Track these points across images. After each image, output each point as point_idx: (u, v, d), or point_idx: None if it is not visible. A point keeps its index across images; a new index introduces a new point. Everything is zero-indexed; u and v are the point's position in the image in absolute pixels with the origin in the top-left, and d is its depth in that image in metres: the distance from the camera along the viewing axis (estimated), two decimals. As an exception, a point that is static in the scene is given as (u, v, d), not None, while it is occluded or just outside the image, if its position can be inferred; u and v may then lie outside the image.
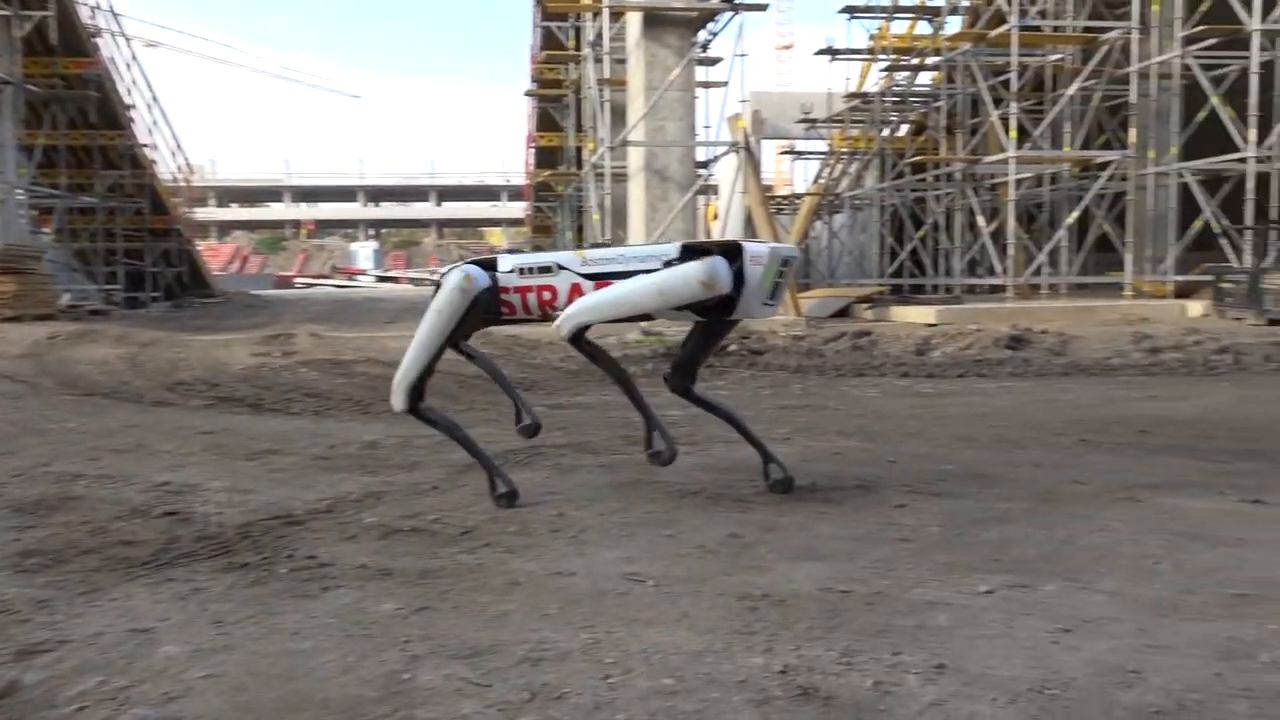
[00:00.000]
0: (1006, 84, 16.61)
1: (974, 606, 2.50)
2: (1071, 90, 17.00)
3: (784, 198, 27.89)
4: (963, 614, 2.44)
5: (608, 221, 15.27)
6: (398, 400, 3.81)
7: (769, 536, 3.19)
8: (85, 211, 21.73)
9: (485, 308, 3.74)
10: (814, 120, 23.08)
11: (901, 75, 21.19)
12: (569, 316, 3.56)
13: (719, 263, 3.41)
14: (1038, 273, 17.11)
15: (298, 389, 7.84)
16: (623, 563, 2.95)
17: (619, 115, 15.35)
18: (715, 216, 22.88)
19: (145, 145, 22.46)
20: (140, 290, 23.05)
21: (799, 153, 26.13)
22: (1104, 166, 17.18)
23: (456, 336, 3.89)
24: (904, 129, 22.95)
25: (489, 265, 3.81)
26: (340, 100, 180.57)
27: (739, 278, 3.43)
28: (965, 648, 2.23)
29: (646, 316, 3.97)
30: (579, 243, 23.11)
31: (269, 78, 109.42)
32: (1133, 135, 17.09)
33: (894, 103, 21.89)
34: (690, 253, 3.51)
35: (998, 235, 18.29)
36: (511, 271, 3.77)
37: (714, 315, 3.61)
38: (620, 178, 15.46)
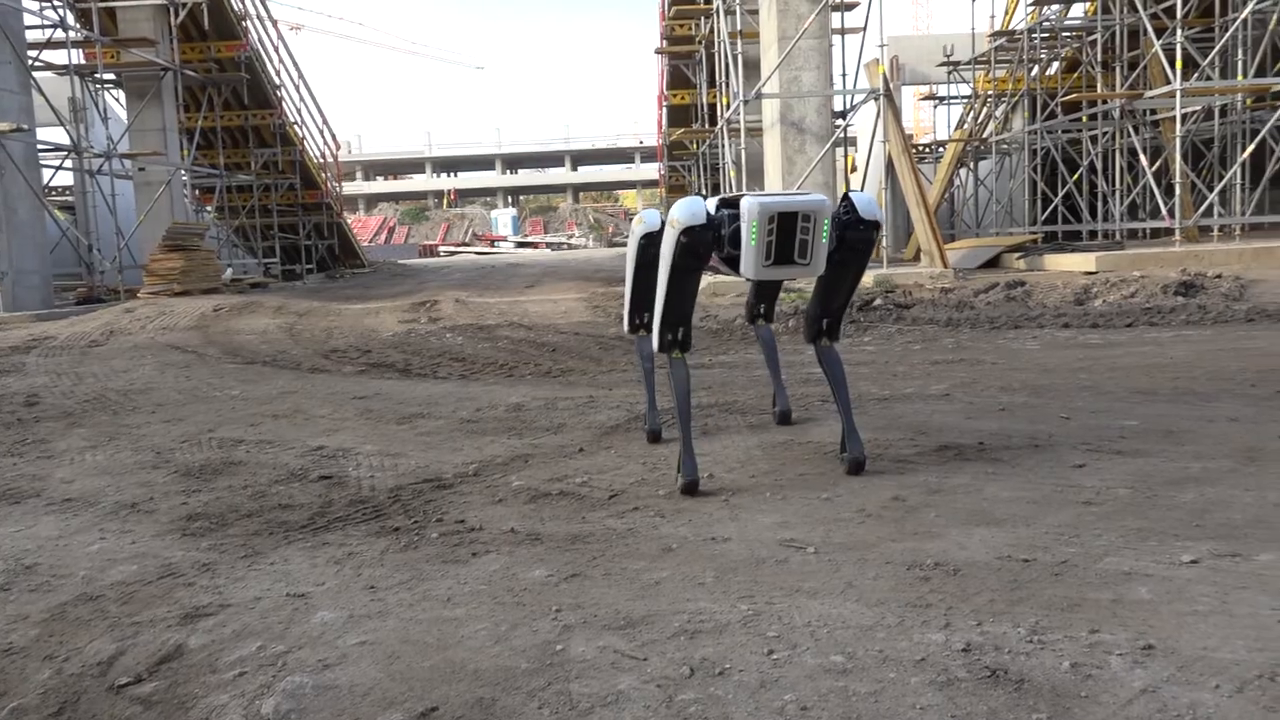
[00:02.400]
0: (1170, 11, 15.38)
1: (1178, 578, 2.24)
2: (1245, 13, 15.60)
3: (926, 146, 26.79)
4: (1166, 587, 2.19)
5: (743, 177, 14.94)
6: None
7: (935, 499, 2.98)
8: (243, 189, 22.71)
9: None
10: (956, 63, 21.98)
11: (1052, 8, 19.93)
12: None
13: (690, 201, 3.26)
14: (1208, 214, 15.89)
15: (444, 354, 7.96)
16: (778, 528, 2.79)
17: (752, 68, 14.92)
18: (854, 168, 22.19)
19: (294, 123, 23.28)
20: (296, 263, 24.04)
21: (940, 98, 24.98)
22: (1284, 95, 15.75)
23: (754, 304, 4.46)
24: (1054, 66, 21.63)
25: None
26: (474, 73, 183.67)
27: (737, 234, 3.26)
28: (1174, 626, 1.98)
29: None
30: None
31: (399, 53, 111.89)
32: (1318, 58, 15.58)
33: (1043, 39, 20.62)
34: (723, 205, 3.37)
35: (1161, 175, 17.06)
36: None
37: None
38: (755, 132, 15.08)
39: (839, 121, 15.16)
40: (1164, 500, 2.85)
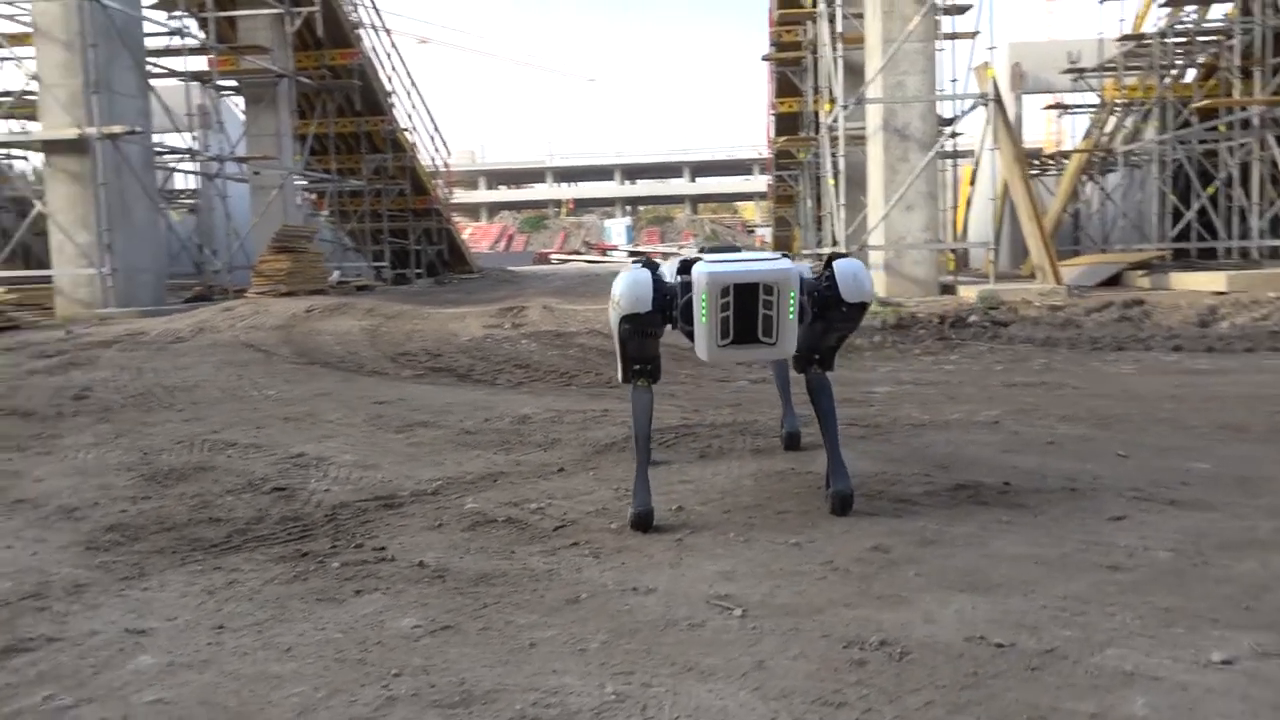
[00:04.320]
0: (1322, 10, 14.03)
1: (1196, 685, 1.66)
2: None
3: (1049, 157, 25.39)
4: (1175, 699, 1.61)
5: (843, 186, 14.31)
6: None
7: (925, 553, 2.43)
8: (355, 194, 23.15)
9: None
10: (1081, 70, 20.72)
11: (1188, 10, 18.55)
12: None
13: (634, 280, 2.77)
14: (1361, 231, 14.44)
15: (510, 360, 7.66)
16: (719, 580, 2.30)
17: (856, 74, 14.29)
18: (973, 181, 21.15)
19: (405, 129, 23.60)
20: (407, 267, 24.38)
21: (1066, 107, 23.61)
22: None
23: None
24: (1190, 73, 20.14)
25: None
26: (591, 85, 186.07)
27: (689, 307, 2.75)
28: (1164, 762, 1.43)
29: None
30: (819, 212, 22.10)
31: (516, 66, 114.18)
32: None
33: (1178, 43, 19.22)
34: (683, 269, 2.87)
35: (1309, 189, 15.60)
36: None
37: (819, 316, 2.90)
38: (858, 140, 14.45)
39: (945, 129, 14.39)
40: (1214, 570, 2.24)
